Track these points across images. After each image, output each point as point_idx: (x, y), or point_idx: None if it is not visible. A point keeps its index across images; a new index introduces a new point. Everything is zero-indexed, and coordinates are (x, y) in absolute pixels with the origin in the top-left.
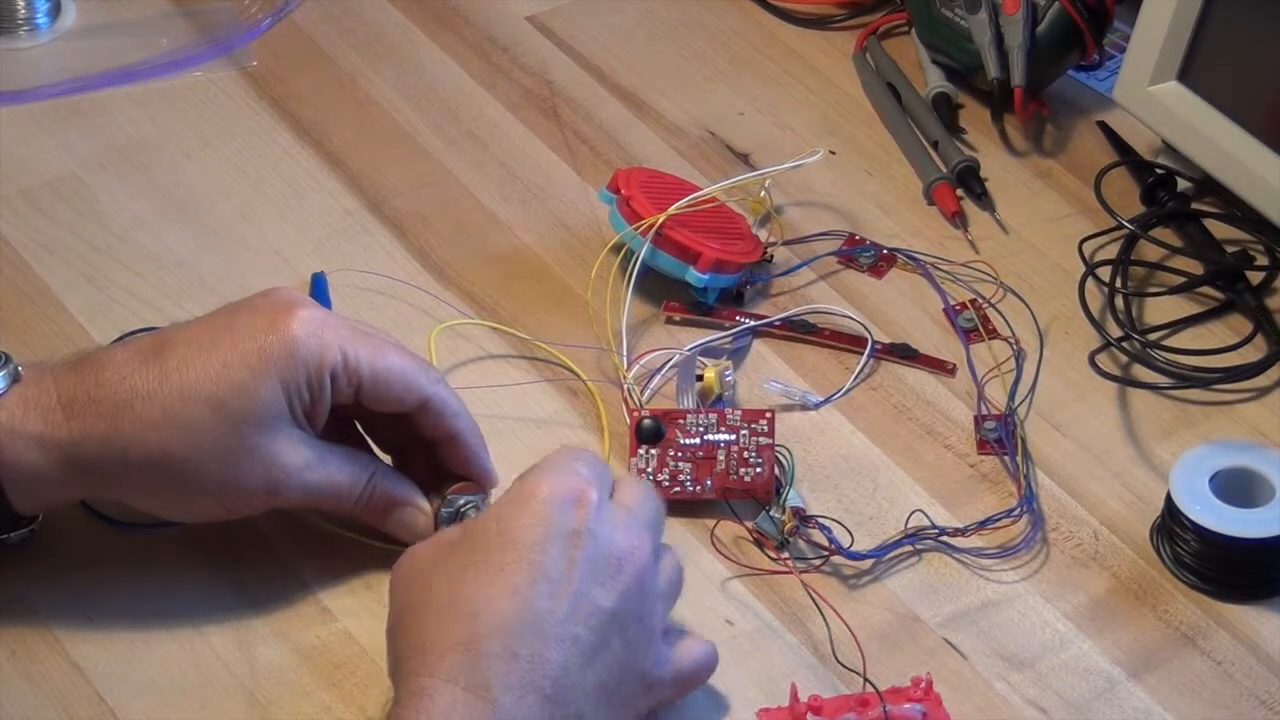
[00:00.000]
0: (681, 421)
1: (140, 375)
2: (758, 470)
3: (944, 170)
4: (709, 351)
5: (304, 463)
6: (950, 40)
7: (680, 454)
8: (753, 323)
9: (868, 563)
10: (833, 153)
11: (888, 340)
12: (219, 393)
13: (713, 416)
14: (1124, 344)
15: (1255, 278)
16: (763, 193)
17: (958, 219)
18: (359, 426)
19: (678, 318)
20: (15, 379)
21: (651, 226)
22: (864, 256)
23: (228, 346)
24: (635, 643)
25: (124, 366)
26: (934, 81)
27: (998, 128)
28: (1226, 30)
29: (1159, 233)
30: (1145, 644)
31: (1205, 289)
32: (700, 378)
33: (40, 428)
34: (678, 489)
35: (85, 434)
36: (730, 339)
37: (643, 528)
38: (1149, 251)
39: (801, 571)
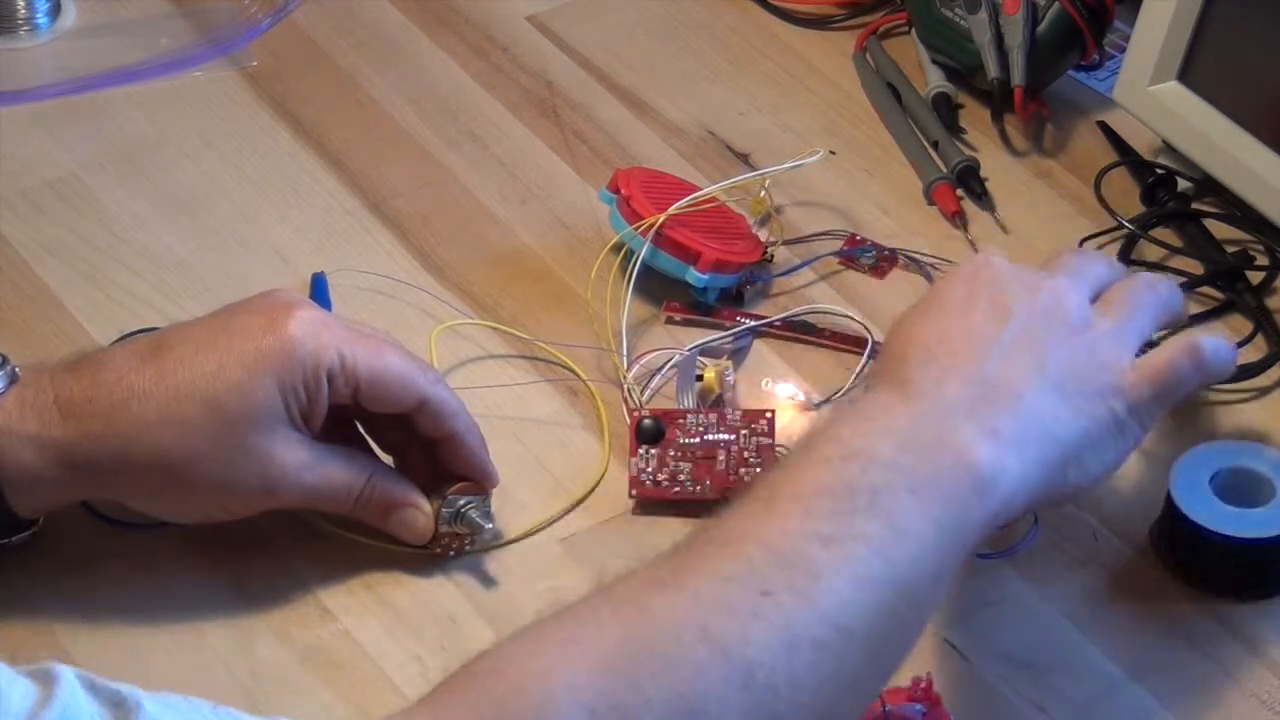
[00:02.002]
0: (681, 421)
1: (137, 375)
2: (758, 470)
3: (944, 170)
4: (709, 351)
5: (301, 463)
6: (950, 40)
7: (680, 454)
8: (753, 323)
9: None
10: (833, 153)
11: None
12: (216, 393)
13: (713, 416)
14: None
15: (1255, 278)
16: (763, 193)
17: (958, 219)
18: (359, 427)
19: (678, 318)
20: (13, 380)
21: (651, 226)
22: (864, 256)
23: (225, 347)
24: (1070, 343)
25: (121, 367)
26: (934, 81)
27: (998, 128)
28: (1226, 30)
29: (1159, 233)
30: (1145, 644)
31: (1205, 289)
32: (700, 378)
33: (37, 428)
34: (678, 489)
35: (82, 434)
36: (730, 339)
37: (1052, 273)
38: (1149, 251)
39: None
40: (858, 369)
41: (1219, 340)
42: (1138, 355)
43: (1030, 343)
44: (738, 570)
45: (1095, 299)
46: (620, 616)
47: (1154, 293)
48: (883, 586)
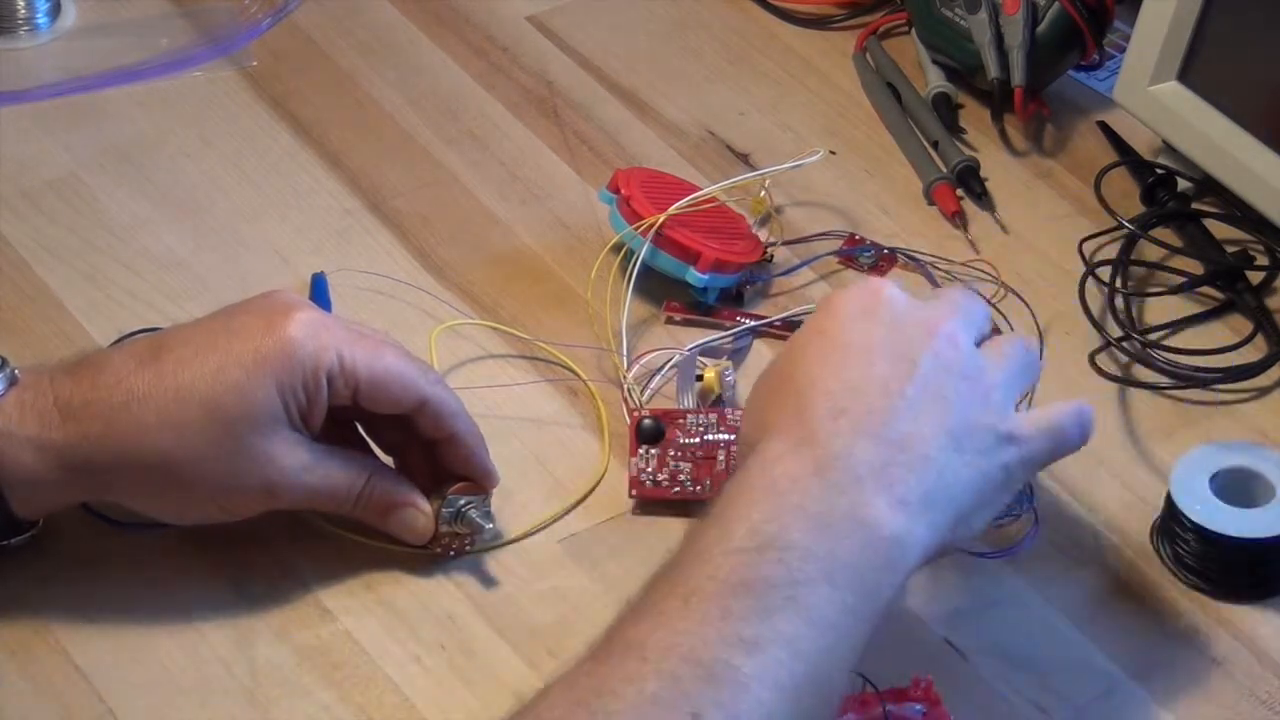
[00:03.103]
0: (681, 421)
1: (136, 377)
2: None
3: (944, 170)
4: (709, 351)
5: (300, 464)
6: (950, 40)
7: (680, 454)
8: (753, 323)
9: None
10: (833, 153)
11: None
12: (215, 394)
13: (713, 416)
14: (1124, 344)
15: (1255, 278)
16: (763, 193)
17: (958, 219)
18: (359, 428)
19: (678, 318)
20: (12, 382)
21: (651, 226)
22: (864, 256)
23: (224, 349)
24: (968, 397)
25: (120, 369)
26: (934, 81)
27: (998, 128)
28: (1226, 30)
29: (1159, 233)
30: (1145, 644)
31: (1205, 289)
32: (700, 378)
33: (37, 431)
34: (677, 489)
35: (81, 436)
36: (730, 339)
37: (940, 310)
38: (1149, 251)
39: None
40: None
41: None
42: None
43: (935, 397)
44: (663, 691)
45: (978, 342)
46: None
47: (1030, 353)
48: (803, 687)
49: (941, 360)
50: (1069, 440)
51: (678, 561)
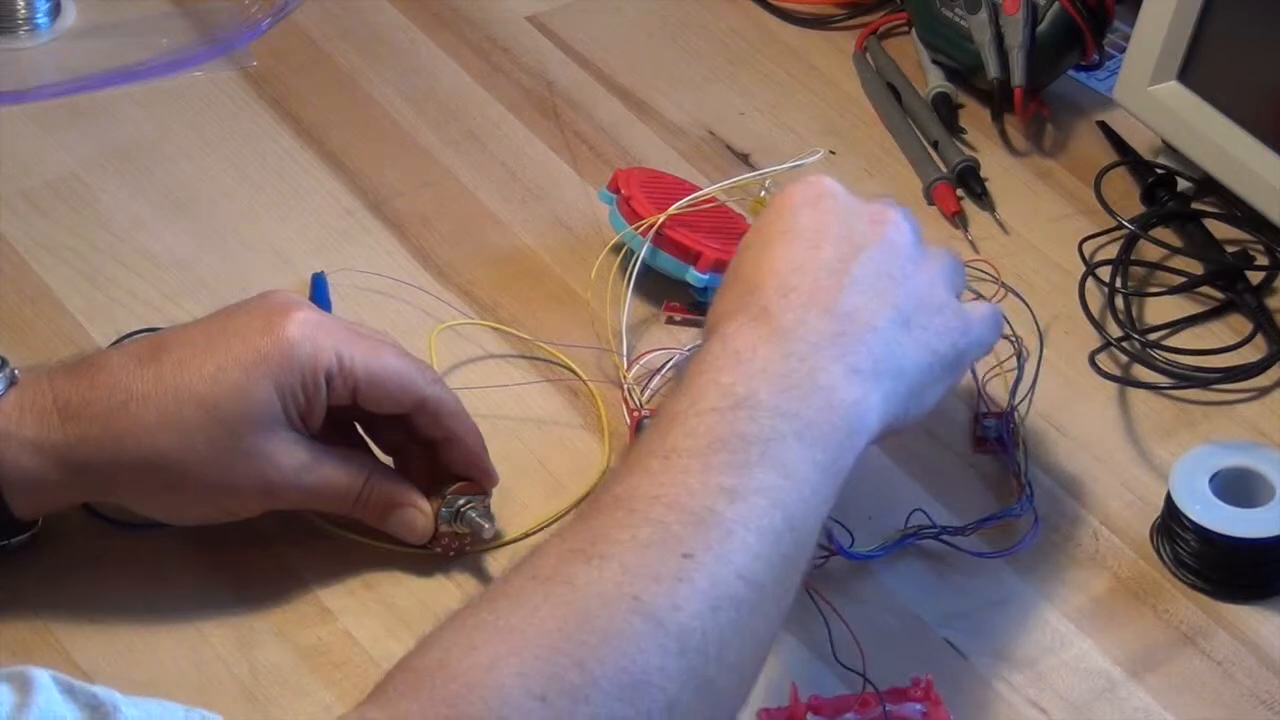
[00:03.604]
0: None
1: (136, 378)
2: None
3: (944, 170)
4: None
5: (299, 465)
6: (950, 40)
7: None
8: None
9: (868, 563)
10: (833, 153)
11: None
12: (213, 395)
13: None
14: (1124, 344)
15: (1255, 278)
16: (763, 193)
17: (958, 219)
18: (359, 428)
19: (678, 318)
20: (12, 382)
21: (651, 226)
22: None
23: (223, 349)
24: (916, 279)
25: (120, 369)
26: (934, 81)
27: (998, 128)
28: (1226, 30)
29: (1159, 233)
30: (1145, 644)
31: (1205, 289)
32: None
33: (36, 431)
34: None
35: (81, 437)
36: None
37: (891, 207)
38: (1149, 251)
39: None
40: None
41: None
42: None
43: (881, 277)
44: (655, 535)
45: None
46: (552, 597)
47: (959, 262)
48: (783, 535)
49: (887, 244)
50: (996, 333)
51: (653, 426)
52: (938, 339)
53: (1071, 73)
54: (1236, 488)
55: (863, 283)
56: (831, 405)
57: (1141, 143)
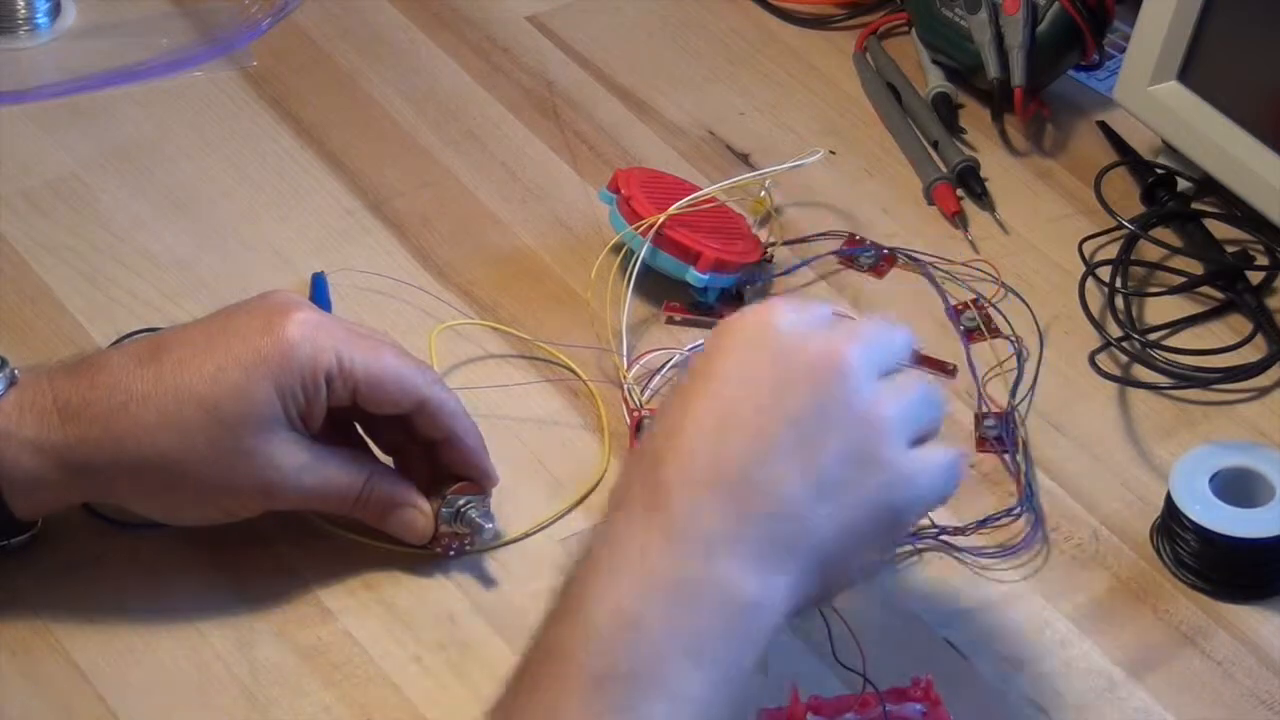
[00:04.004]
0: None
1: (136, 378)
2: None
3: (944, 170)
4: None
5: (299, 465)
6: (950, 40)
7: None
8: None
9: None
10: (833, 153)
11: None
12: (213, 395)
13: None
14: (1124, 344)
15: (1255, 278)
16: (763, 193)
17: (958, 219)
18: (359, 428)
19: (678, 318)
20: (12, 383)
21: (651, 226)
22: (864, 256)
23: (223, 349)
24: (850, 435)
25: (120, 369)
26: (934, 81)
27: (998, 128)
28: (1226, 30)
29: (1159, 233)
30: (1145, 644)
31: (1205, 289)
32: None
33: (36, 432)
34: None
35: (81, 437)
36: None
37: (846, 336)
38: (1149, 251)
39: None
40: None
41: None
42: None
43: (805, 438)
44: None
45: (883, 374)
46: None
47: (938, 395)
48: None
49: (825, 395)
50: (953, 484)
51: (543, 648)
52: (867, 503)
53: (1071, 73)
54: (1236, 488)
55: (781, 448)
56: (728, 609)
57: (1141, 143)
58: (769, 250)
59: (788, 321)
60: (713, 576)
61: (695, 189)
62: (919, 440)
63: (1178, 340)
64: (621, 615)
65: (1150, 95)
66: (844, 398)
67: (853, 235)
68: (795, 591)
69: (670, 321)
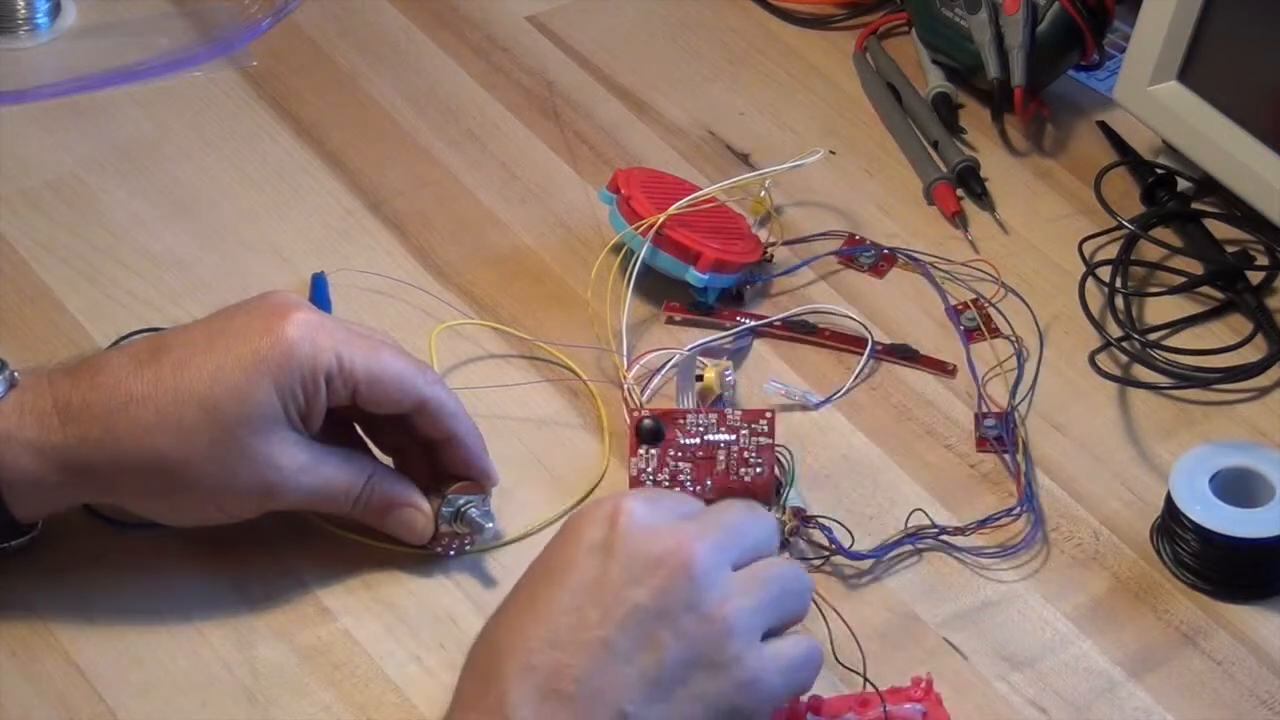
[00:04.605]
0: (681, 421)
1: (135, 379)
2: (758, 470)
3: (944, 170)
4: (709, 351)
5: (299, 465)
6: (950, 40)
7: (680, 454)
8: (753, 323)
9: (868, 563)
10: (833, 153)
11: (888, 340)
12: (213, 395)
13: (713, 416)
14: (1124, 344)
15: (1255, 278)
16: (763, 193)
17: (958, 219)
18: (358, 428)
19: (678, 318)
20: (12, 384)
21: (651, 226)
22: (864, 256)
23: (222, 350)
24: (693, 635)
25: (119, 370)
26: (934, 81)
27: (998, 128)
28: (1226, 30)
29: (1159, 233)
30: (1145, 644)
31: (1205, 289)
32: (700, 378)
33: (36, 433)
34: (677, 489)
35: (81, 438)
36: (730, 339)
37: (700, 529)
38: (1149, 251)
39: None
40: (857, 369)
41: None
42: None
43: (645, 642)
44: None
45: (740, 565)
46: None
47: (801, 583)
48: None
49: (668, 595)
50: (808, 678)
51: None
52: (709, 706)
53: (1071, 73)
54: (1236, 488)
55: (621, 653)
56: None
57: (1141, 143)
58: (769, 250)
59: (638, 515)
60: None
61: (695, 189)
62: (778, 629)
63: (1178, 340)
64: None
65: (1150, 95)
66: (688, 597)
67: (853, 235)
68: None
69: (670, 321)
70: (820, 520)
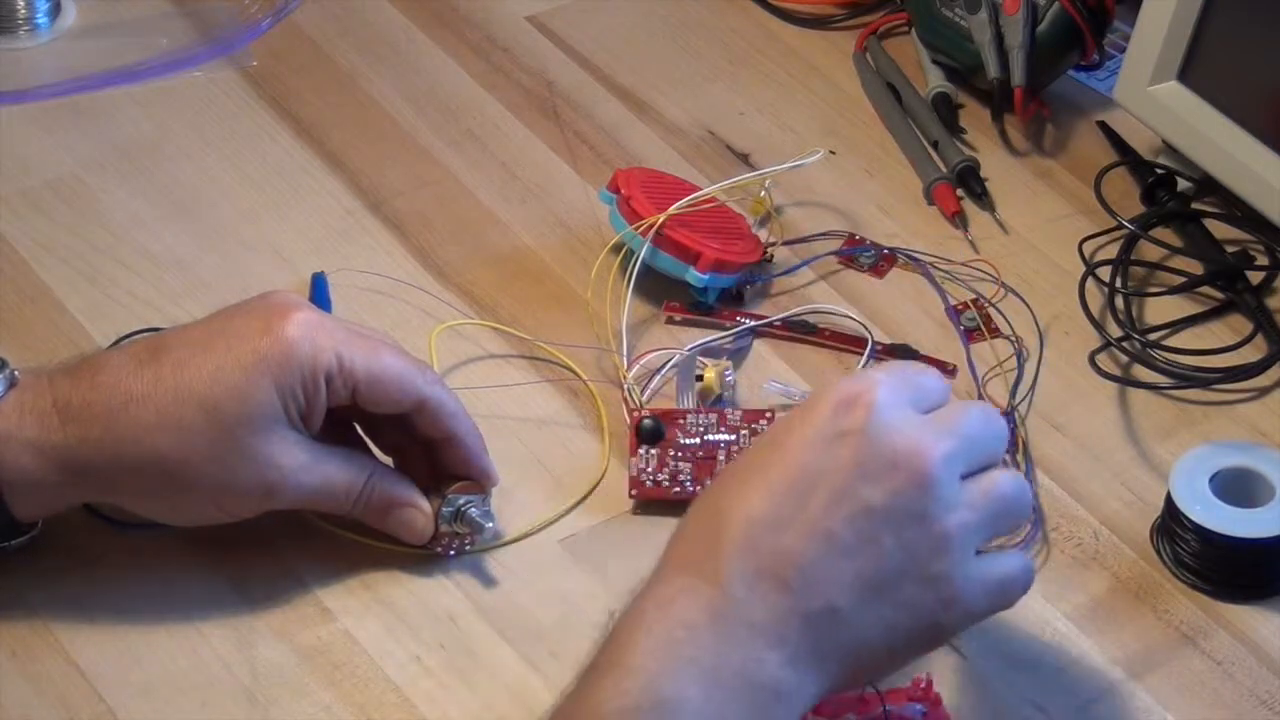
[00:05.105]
0: (681, 421)
1: (135, 379)
2: None
3: (944, 170)
4: (709, 351)
5: (299, 465)
6: (950, 40)
7: (680, 454)
8: (753, 323)
9: None
10: (833, 153)
11: (888, 340)
12: (213, 395)
13: (713, 416)
14: (1124, 344)
15: (1255, 278)
16: (763, 193)
17: (958, 219)
18: (358, 428)
19: (678, 318)
20: (12, 384)
21: (651, 226)
22: (864, 256)
23: (222, 349)
24: (914, 544)
25: (119, 370)
26: (934, 81)
27: (998, 128)
28: (1226, 30)
29: (1159, 233)
30: (1145, 644)
31: (1205, 289)
32: (700, 378)
33: (36, 433)
34: (678, 489)
35: (81, 438)
36: (730, 339)
37: (939, 434)
38: (1149, 251)
39: None
40: (857, 369)
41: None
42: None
43: (867, 541)
44: None
45: (969, 474)
46: None
47: (1023, 499)
48: None
49: (900, 500)
50: (1011, 597)
51: (578, 700)
52: (918, 616)
53: (1071, 73)
54: (1236, 488)
55: (843, 547)
56: (757, 702)
57: (1141, 143)
58: (769, 250)
59: (883, 406)
60: (750, 667)
61: (695, 189)
62: (993, 541)
63: (1178, 340)
64: (656, 692)
65: (1150, 95)
66: (919, 508)
67: (853, 235)
68: (826, 686)
69: (670, 321)
70: None
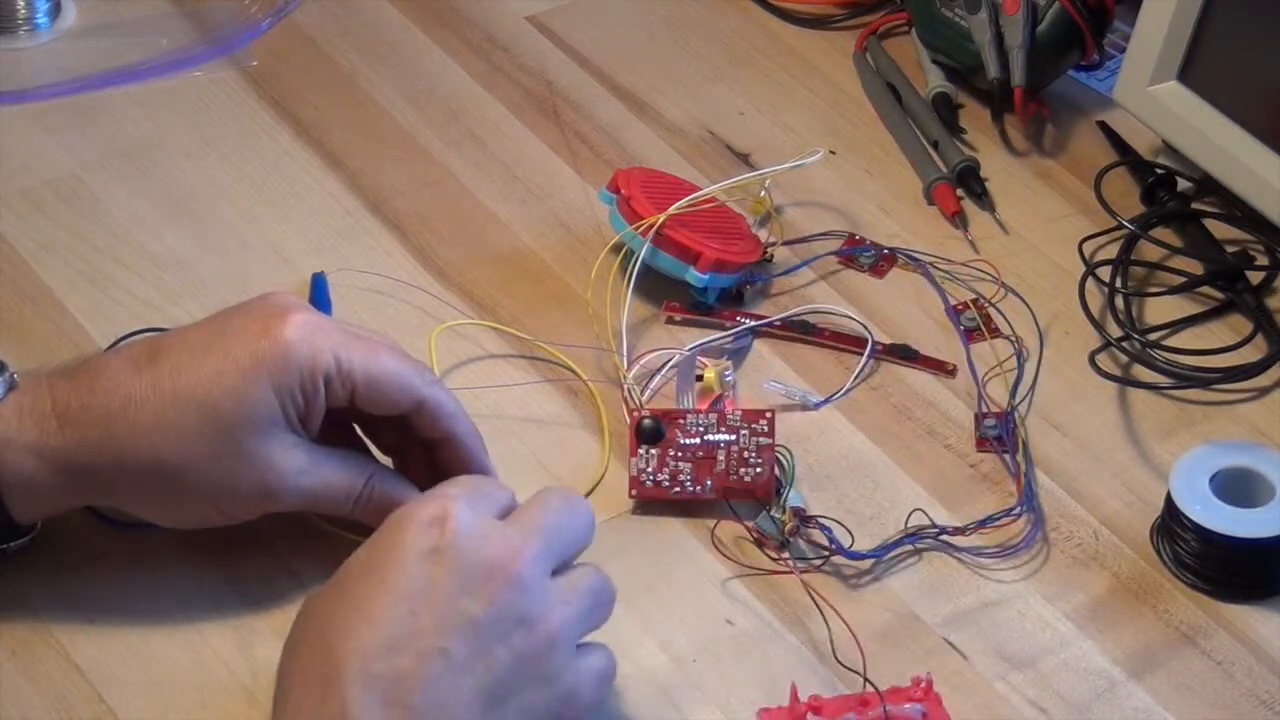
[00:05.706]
0: (681, 421)
1: (134, 381)
2: (758, 470)
3: (944, 170)
4: (709, 351)
5: (299, 467)
6: (950, 40)
7: (680, 454)
8: (753, 323)
9: (868, 563)
10: (833, 153)
11: (888, 340)
12: (212, 398)
13: (713, 416)
14: (1124, 344)
15: (1255, 278)
16: (763, 193)
17: (958, 219)
18: (358, 429)
19: (678, 318)
20: (11, 387)
21: (651, 226)
22: (864, 256)
23: (221, 352)
24: (524, 649)
25: (118, 373)
26: (934, 81)
27: (998, 128)
28: (1226, 30)
29: (1159, 233)
30: (1145, 644)
31: (1205, 289)
32: (700, 378)
33: (35, 436)
34: (678, 489)
35: (80, 441)
36: (730, 339)
37: (524, 534)
38: (1149, 251)
39: (802, 571)
40: (857, 369)
41: None
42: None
43: (480, 653)
44: None
45: (559, 567)
46: None
47: (608, 592)
48: None
49: (497, 608)
50: (605, 693)
51: None
52: (531, 714)
53: (1071, 73)
54: (1236, 488)
55: (458, 664)
56: None
57: (1141, 143)
58: (769, 250)
59: (464, 520)
60: None
61: (695, 189)
62: (588, 632)
63: (1178, 340)
64: None
65: (1150, 95)
66: (520, 612)
67: (853, 235)
68: None
69: (670, 321)
70: (820, 520)
